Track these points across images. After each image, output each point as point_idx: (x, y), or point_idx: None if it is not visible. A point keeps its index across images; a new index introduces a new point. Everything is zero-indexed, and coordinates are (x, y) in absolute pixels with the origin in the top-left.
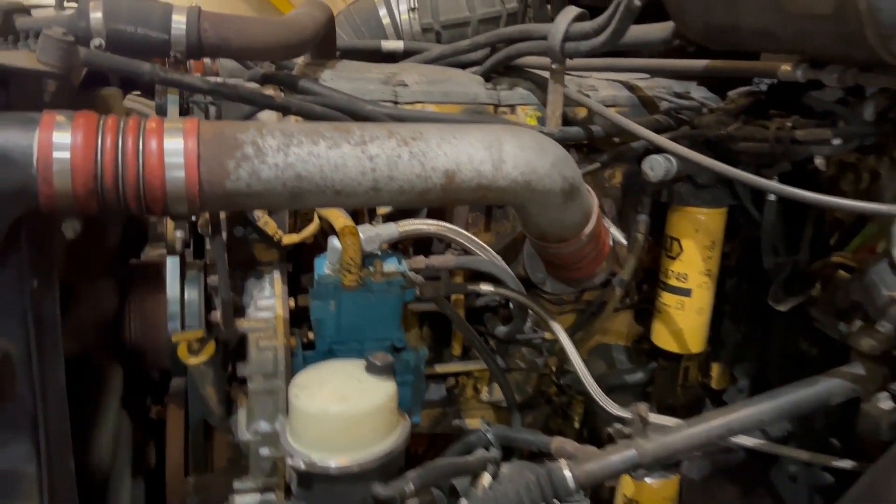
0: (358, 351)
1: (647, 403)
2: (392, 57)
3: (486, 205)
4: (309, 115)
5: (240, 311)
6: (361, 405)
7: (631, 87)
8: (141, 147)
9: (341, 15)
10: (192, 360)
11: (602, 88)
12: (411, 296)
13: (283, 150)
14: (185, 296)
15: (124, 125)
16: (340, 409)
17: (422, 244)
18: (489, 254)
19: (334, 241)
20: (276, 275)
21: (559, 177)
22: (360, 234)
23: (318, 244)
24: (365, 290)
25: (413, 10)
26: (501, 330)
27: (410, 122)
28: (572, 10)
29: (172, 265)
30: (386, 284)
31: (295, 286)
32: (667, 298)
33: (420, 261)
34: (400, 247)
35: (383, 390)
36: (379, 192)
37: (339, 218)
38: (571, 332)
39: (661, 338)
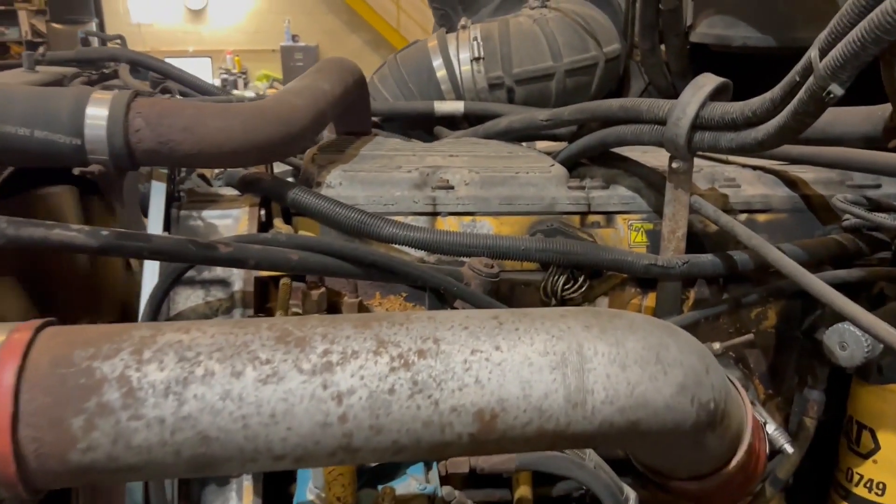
0: None
1: None
2: (450, 122)
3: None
4: (279, 268)
5: None
6: None
7: (791, 183)
8: None
9: (385, 67)
10: None
11: (746, 184)
12: None
13: (174, 394)
14: None
15: None
16: None
17: None
18: None
19: None
20: (247, 482)
21: (691, 406)
22: None
23: None
24: None
25: (478, 59)
26: None
27: (445, 267)
28: (708, 82)
29: None
30: None
31: (278, 496)
32: None
33: (461, 461)
34: None
35: None
36: (355, 452)
37: None
38: None
39: None
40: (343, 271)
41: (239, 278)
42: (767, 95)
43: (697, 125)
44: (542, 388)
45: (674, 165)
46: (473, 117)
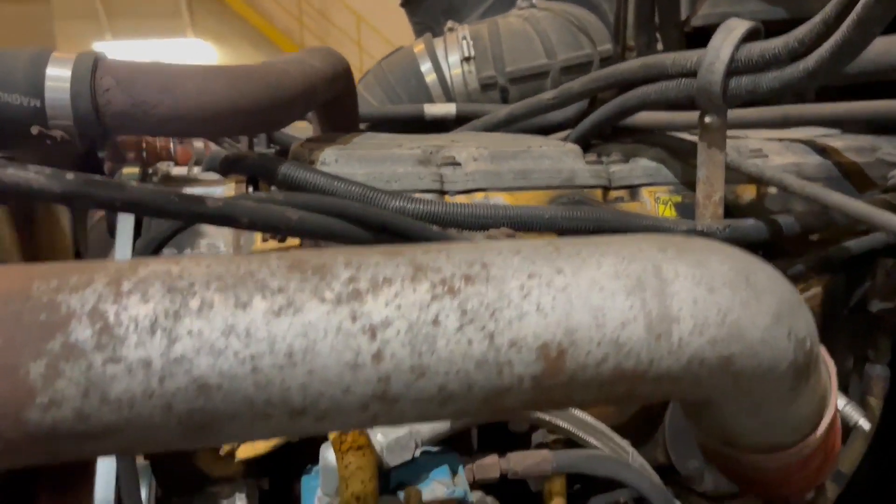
0: None
1: None
2: (440, 126)
3: (629, 403)
4: (277, 228)
5: None
6: None
7: (822, 151)
8: None
9: (370, 75)
10: None
11: (774, 154)
12: None
13: (162, 330)
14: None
15: None
16: None
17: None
18: (610, 440)
19: (328, 456)
20: (240, 501)
21: (788, 341)
22: (380, 437)
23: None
24: None
25: (468, 59)
26: None
27: (464, 235)
28: (740, 24)
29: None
30: None
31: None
32: None
33: (490, 465)
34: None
35: None
36: (392, 403)
37: None
38: None
39: None
40: (349, 235)
41: None
42: (817, 17)
43: (733, 70)
44: (617, 317)
45: (706, 120)
46: (466, 120)
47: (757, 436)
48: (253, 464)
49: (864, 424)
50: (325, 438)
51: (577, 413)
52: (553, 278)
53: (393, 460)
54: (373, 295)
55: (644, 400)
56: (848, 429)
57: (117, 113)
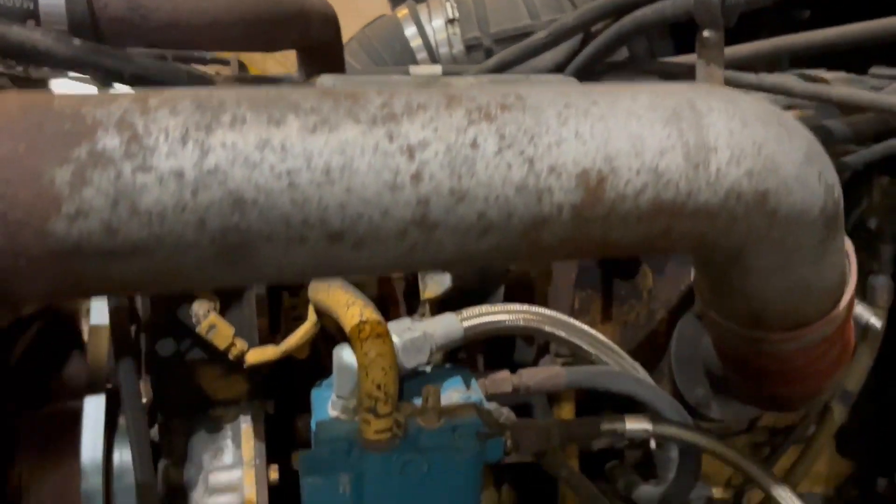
0: None
1: None
2: None
3: (659, 252)
4: None
5: (181, 492)
6: None
7: (810, 79)
8: None
9: (353, 41)
10: None
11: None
12: (498, 451)
13: (195, 141)
14: (116, 460)
15: None
16: None
17: (496, 350)
18: (622, 360)
19: (343, 355)
20: (245, 423)
21: (819, 184)
22: (395, 338)
23: (318, 359)
24: (407, 449)
25: (452, 21)
26: (647, 494)
27: None
28: None
29: (93, 412)
30: (449, 434)
31: (282, 441)
32: None
33: (502, 380)
34: (462, 356)
35: None
36: (432, 230)
37: (350, 305)
38: (739, 489)
39: None
40: None
41: None
42: None
43: None
44: (655, 144)
45: (705, 35)
46: None
47: (783, 304)
48: (258, 384)
49: (876, 322)
50: (326, 372)
51: (589, 329)
52: (589, 108)
53: (408, 362)
54: (408, 118)
55: (680, 244)
56: (859, 329)
57: (114, 18)
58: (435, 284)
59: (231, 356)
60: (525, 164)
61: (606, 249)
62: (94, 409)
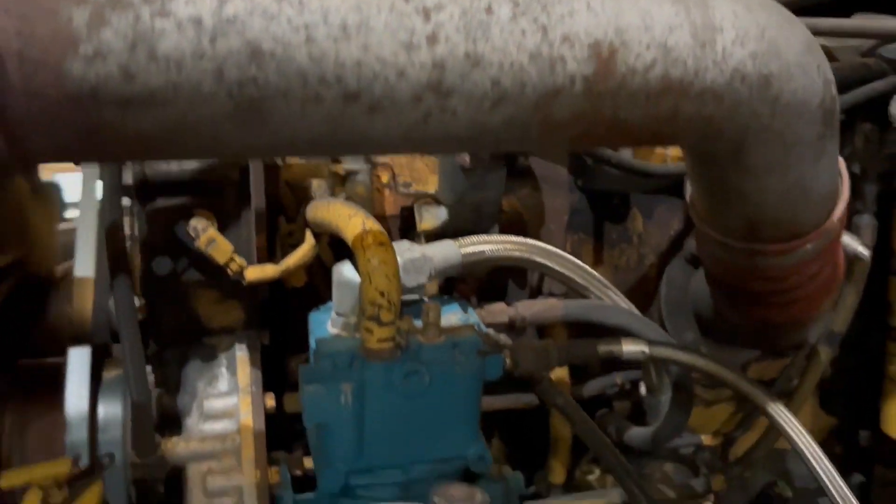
0: (397, 485)
1: None
2: None
3: (666, 142)
4: None
5: (174, 419)
6: None
7: None
8: None
9: None
10: None
11: None
12: (498, 370)
13: None
14: (101, 412)
15: None
16: None
17: (489, 291)
18: (616, 295)
19: (344, 270)
20: (241, 351)
21: (818, 76)
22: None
23: (315, 290)
24: (409, 360)
25: None
26: (639, 435)
27: None
28: None
29: (78, 364)
30: (450, 349)
31: (277, 372)
32: None
33: (498, 310)
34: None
35: None
36: (447, 97)
37: (352, 216)
38: (729, 437)
39: None
40: None
41: None
42: None
43: None
44: (664, 21)
45: None
46: None
47: (780, 209)
48: (254, 313)
49: (864, 252)
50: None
51: (582, 264)
52: None
53: (409, 281)
54: None
55: (686, 130)
56: (848, 260)
57: None
58: (431, 217)
59: (230, 272)
60: (539, 32)
61: (616, 132)
62: (78, 360)
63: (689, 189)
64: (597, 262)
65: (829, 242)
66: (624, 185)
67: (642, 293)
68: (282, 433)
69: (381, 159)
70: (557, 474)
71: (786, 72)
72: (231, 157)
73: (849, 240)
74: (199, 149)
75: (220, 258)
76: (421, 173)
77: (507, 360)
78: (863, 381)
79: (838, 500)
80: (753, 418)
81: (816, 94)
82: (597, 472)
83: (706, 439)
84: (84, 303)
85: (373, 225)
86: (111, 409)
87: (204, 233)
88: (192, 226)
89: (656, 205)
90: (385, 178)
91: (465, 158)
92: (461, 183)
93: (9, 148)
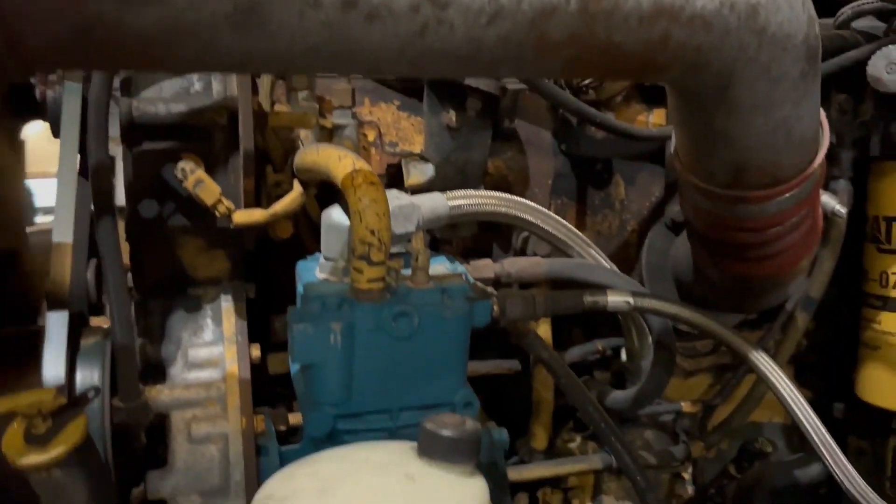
0: (385, 431)
1: None
2: None
3: (657, 71)
4: None
5: (158, 369)
6: None
7: None
8: None
9: None
10: (32, 458)
11: None
12: (486, 316)
13: None
14: (78, 378)
15: None
16: None
17: (474, 252)
18: (598, 255)
19: (332, 214)
20: (226, 302)
21: (803, 12)
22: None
23: (302, 245)
24: (397, 303)
25: None
26: (621, 398)
27: None
28: None
29: (56, 325)
30: (438, 293)
31: (262, 324)
32: (888, 322)
33: (484, 266)
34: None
35: (468, 494)
36: (444, 8)
37: (342, 157)
38: (708, 405)
39: (876, 390)
40: None
41: None
42: None
43: None
44: None
45: None
46: None
47: (764, 152)
48: (239, 264)
49: (841, 210)
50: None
51: (566, 223)
52: None
53: (397, 227)
54: None
55: (676, 60)
56: (826, 220)
57: None
58: (418, 173)
59: (218, 214)
60: None
61: (609, 58)
62: (56, 326)
63: (673, 141)
64: (580, 227)
65: (809, 191)
66: (607, 151)
67: (624, 259)
68: (266, 394)
69: (368, 117)
70: (540, 440)
71: (773, 2)
72: (228, 67)
73: (827, 198)
74: (197, 55)
75: (208, 199)
76: (407, 133)
77: (495, 308)
78: (837, 354)
79: (818, 443)
80: (732, 387)
81: (801, 29)
82: (578, 439)
83: (686, 406)
84: (62, 269)
85: (363, 165)
86: (90, 375)
87: (192, 174)
88: (179, 167)
89: (638, 171)
90: (371, 136)
91: (451, 118)
92: (447, 143)
93: (5, 44)
